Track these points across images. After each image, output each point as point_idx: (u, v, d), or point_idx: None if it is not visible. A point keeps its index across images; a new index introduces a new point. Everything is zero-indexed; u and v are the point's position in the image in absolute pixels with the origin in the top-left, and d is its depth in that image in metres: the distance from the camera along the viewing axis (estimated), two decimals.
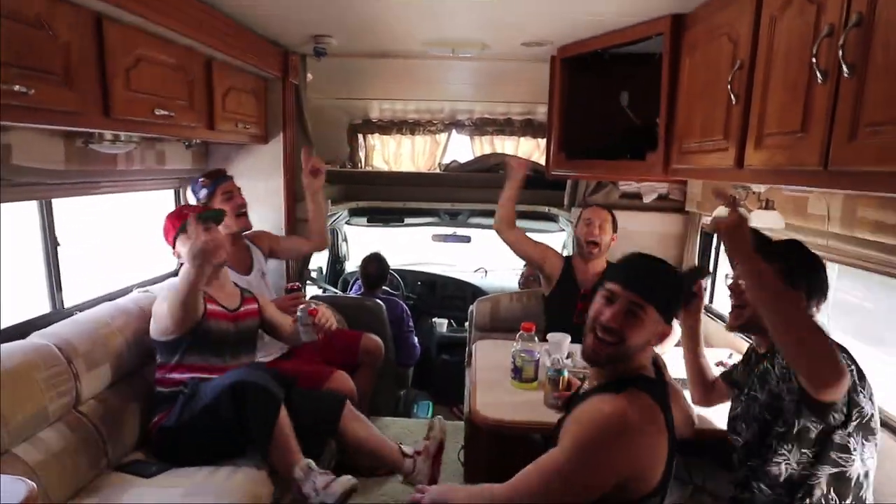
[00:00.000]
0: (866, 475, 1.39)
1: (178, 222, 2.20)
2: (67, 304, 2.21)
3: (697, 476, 1.64)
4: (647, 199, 3.22)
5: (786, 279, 1.40)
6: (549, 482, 1.17)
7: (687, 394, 1.85)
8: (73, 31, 1.50)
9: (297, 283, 2.71)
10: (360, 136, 4.76)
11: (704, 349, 1.88)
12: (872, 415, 1.38)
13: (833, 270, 2.02)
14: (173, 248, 2.23)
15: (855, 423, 1.36)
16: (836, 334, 1.45)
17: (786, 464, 1.41)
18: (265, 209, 3.02)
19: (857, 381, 1.37)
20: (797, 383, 1.35)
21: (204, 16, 2.05)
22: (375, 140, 4.80)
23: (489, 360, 2.37)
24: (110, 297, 2.32)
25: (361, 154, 4.82)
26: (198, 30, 2.02)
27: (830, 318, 2.15)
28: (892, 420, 1.70)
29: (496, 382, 2.16)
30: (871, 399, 1.39)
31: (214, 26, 2.14)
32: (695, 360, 1.85)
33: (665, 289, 1.34)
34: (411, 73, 3.42)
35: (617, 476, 1.15)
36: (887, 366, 2.59)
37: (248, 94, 2.68)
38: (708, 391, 1.83)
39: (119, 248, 3.28)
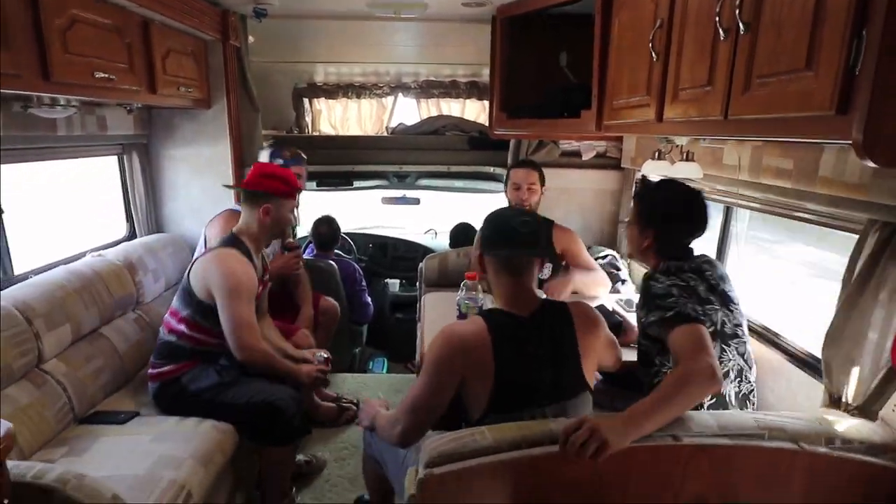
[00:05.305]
0: None
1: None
2: (17, 271, 2.19)
3: (619, 402, 1.83)
4: (585, 157, 3.38)
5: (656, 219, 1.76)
6: (415, 397, 1.47)
7: None
8: None
9: (295, 241, 2.83)
10: (306, 101, 4.70)
11: None
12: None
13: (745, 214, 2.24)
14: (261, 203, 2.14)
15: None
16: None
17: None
18: (211, 176, 3.01)
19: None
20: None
21: None
22: (321, 104, 4.76)
23: (437, 310, 2.50)
24: (63, 263, 2.31)
25: (308, 119, 4.77)
26: None
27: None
28: (791, 346, 1.94)
29: None
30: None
31: None
32: None
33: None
34: (356, 35, 3.42)
35: (453, 381, 1.43)
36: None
37: (187, 57, 2.64)
38: None
39: (65, 215, 3.21)
